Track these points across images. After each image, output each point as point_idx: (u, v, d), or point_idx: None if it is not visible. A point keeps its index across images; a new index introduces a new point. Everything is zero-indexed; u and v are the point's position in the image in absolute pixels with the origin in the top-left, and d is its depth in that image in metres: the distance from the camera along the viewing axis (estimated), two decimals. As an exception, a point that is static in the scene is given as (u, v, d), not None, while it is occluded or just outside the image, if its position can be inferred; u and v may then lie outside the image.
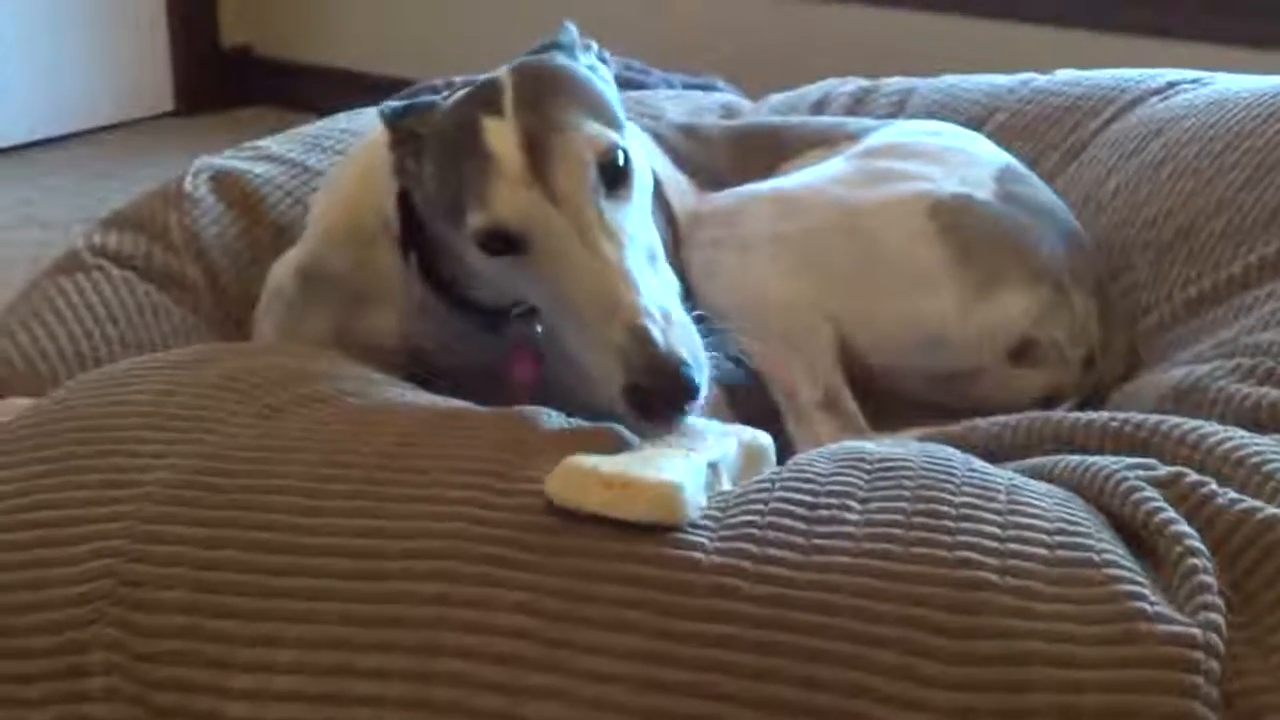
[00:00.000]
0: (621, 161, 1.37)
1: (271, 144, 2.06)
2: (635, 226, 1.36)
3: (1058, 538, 1.11)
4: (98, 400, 1.35)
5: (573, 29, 1.52)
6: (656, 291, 1.31)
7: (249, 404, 1.32)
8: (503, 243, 1.35)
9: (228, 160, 2.00)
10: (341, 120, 2.16)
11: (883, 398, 1.67)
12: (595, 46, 1.54)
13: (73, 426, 1.31)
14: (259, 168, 1.98)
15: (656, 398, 1.25)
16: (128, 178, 3.81)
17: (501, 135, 1.35)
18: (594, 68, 1.50)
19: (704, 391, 1.27)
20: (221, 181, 1.95)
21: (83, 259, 1.81)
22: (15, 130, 4.06)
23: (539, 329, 1.48)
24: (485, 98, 1.39)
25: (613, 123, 1.40)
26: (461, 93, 1.45)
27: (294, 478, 1.20)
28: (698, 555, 1.09)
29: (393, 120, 1.46)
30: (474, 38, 3.94)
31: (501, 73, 1.42)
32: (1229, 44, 2.97)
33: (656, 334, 1.25)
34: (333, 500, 1.18)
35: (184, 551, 1.17)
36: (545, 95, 1.39)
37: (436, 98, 1.48)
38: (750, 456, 1.27)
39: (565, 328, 1.35)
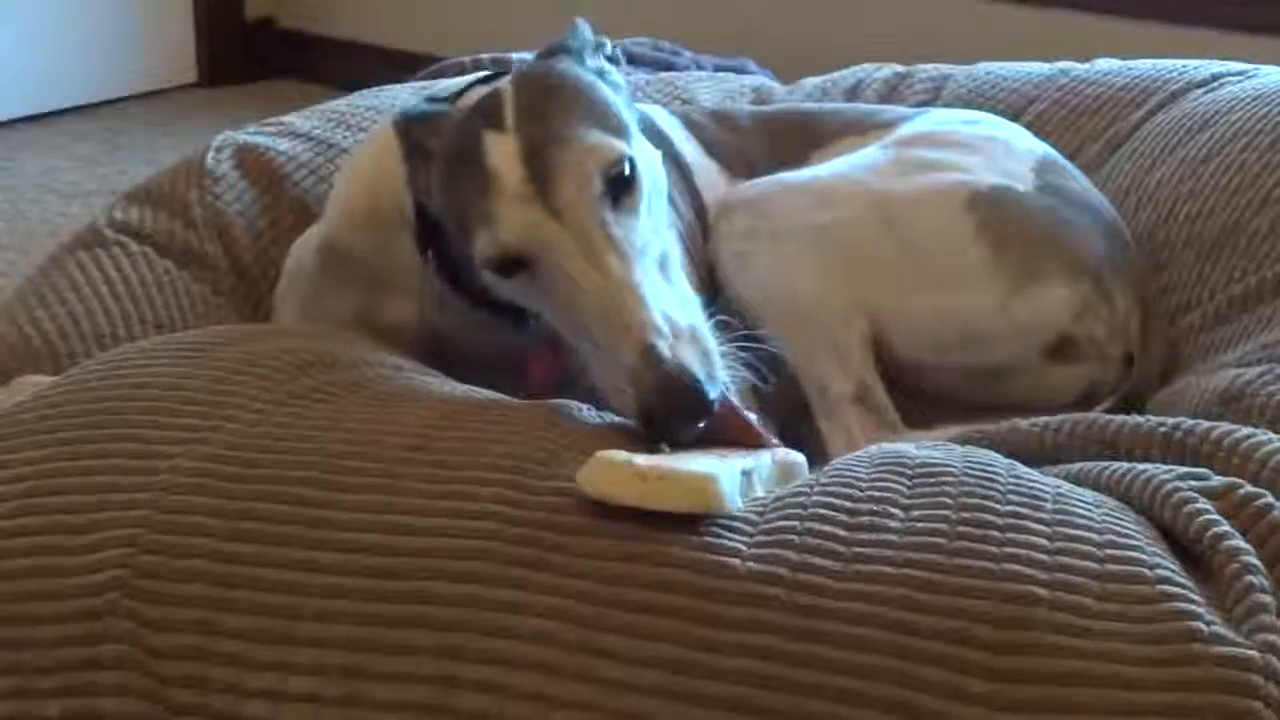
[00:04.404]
0: (628, 171, 1.32)
1: (296, 119, 2.02)
2: (644, 238, 1.31)
3: (1108, 550, 1.07)
4: (115, 382, 1.32)
5: (584, 28, 1.47)
6: (668, 304, 1.26)
7: (271, 390, 1.28)
8: (511, 264, 1.32)
9: (251, 135, 1.97)
10: (366, 97, 2.13)
11: (916, 393, 1.64)
12: (608, 45, 1.48)
13: (89, 409, 1.28)
14: (282, 143, 1.95)
15: (670, 417, 1.21)
16: (150, 148, 3.79)
17: (502, 149, 1.31)
18: (603, 71, 1.45)
19: (717, 405, 1.22)
20: (244, 157, 1.91)
21: (103, 234, 1.79)
22: (38, 98, 4.04)
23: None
24: (488, 110, 1.35)
25: (618, 131, 1.35)
26: (471, 104, 1.40)
27: (316, 469, 1.17)
28: (734, 561, 1.06)
29: (404, 131, 1.42)
30: (501, 13, 3.90)
31: (503, 83, 1.38)
32: (1273, 35, 2.92)
33: (665, 351, 1.21)
34: (355, 494, 1.14)
35: (201, 543, 1.13)
36: (546, 105, 1.34)
37: (448, 108, 1.44)
38: (784, 470, 1.23)
39: (578, 343, 1.32)
